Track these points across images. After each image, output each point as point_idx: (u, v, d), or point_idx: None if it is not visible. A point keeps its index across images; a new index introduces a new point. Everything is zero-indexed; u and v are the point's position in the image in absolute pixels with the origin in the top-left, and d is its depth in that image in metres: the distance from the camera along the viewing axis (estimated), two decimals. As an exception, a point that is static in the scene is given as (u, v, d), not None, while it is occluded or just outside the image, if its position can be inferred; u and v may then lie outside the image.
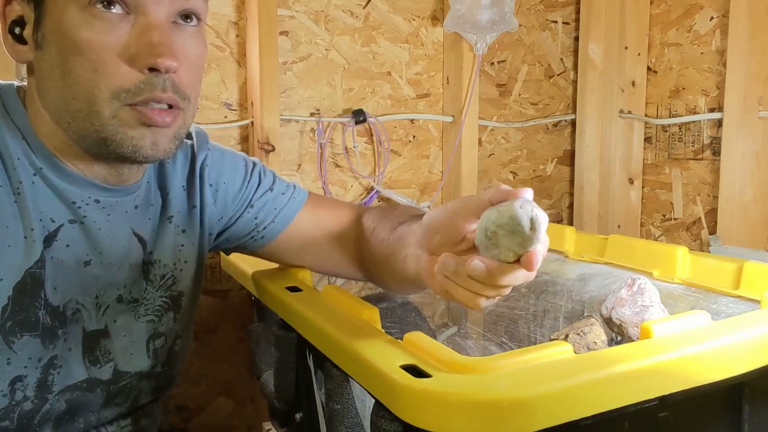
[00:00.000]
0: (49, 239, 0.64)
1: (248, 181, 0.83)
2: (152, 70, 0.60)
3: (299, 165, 1.42)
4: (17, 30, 0.63)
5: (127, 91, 0.60)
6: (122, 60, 0.59)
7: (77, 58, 0.59)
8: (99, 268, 0.69)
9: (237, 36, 1.33)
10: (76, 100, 0.60)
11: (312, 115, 1.41)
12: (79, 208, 0.66)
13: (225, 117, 1.34)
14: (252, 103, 1.32)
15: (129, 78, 0.60)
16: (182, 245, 0.77)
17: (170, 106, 0.62)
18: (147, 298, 0.74)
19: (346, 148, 1.45)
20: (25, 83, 0.67)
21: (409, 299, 0.98)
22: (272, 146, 1.31)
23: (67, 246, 0.66)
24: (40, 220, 0.64)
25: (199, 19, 0.65)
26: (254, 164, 0.85)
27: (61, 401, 0.68)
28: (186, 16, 0.64)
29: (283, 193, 0.85)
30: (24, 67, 0.67)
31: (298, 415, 0.86)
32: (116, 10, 0.59)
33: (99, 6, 0.59)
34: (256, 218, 0.83)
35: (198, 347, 1.33)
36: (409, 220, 0.73)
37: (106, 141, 0.62)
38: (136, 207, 0.72)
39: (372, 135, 1.49)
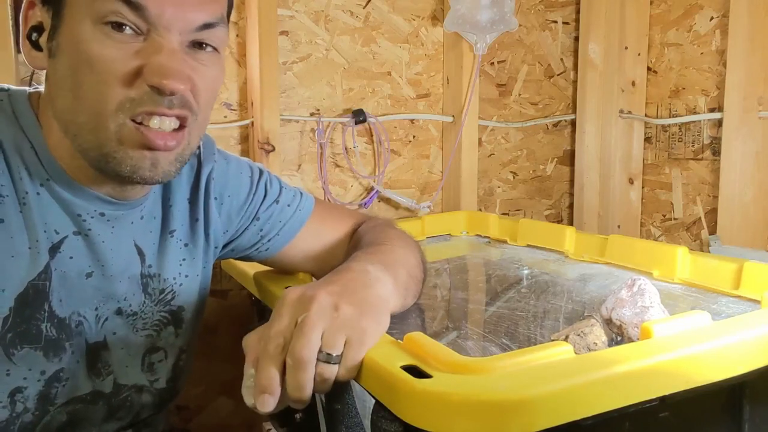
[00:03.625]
0: (53, 251, 0.64)
1: (254, 193, 0.82)
2: (157, 89, 0.59)
3: (299, 165, 1.42)
4: (34, 36, 0.63)
5: (132, 100, 0.59)
6: (130, 75, 0.59)
7: (87, 71, 0.59)
8: (100, 280, 0.68)
9: (237, 36, 1.33)
10: (83, 113, 0.60)
11: (312, 115, 1.41)
12: (84, 220, 0.66)
13: (225, 117, 1.34)
14: (252, 103, 1.32)
15: (132, 91, 0.59)
16: (183, 259, 0.77)
17: (180, 124, 0.61)
18: (145, 312, 0.73)
19: (346, 148, 1.45)
20: (39, 88, 0.66)
21: (410, 299, 0.98)
22: (272, 146, 1.31)
23: (71, 258, 0.66)
24: (45, 231, 0.63)
25: (215, 49, 0.64)
26: (260, 174, 0.84)
27: (62, 413, 0.67)
28: (200, 45, 0.63)
29: (288, 205, 0.84)
30: (25, 71, 0.67)
31: (298, 415, 0.86)
32: (128, 31, 0.59)
33: (110, 27, 0.58)
34: (261, 230, 0.83)
35: (198, 347, 1.33)
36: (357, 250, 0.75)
37: (106, 157, 0.60)
38: (141, 218, 0.72)
39: (372, 135, 1.49)
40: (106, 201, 0.67)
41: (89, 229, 0.67)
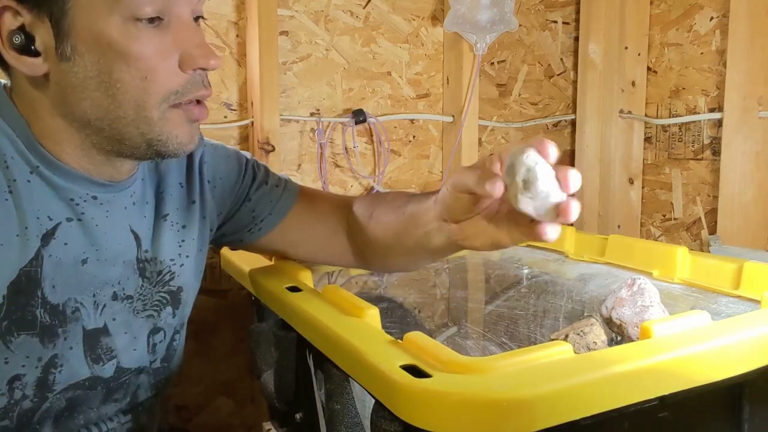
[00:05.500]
0: (46, 237, 0.64)
1: (243, 176, 0.84)
2: (203, 69, 0.64)
3: (299, 165, 1.42)
4: (17, 40, 0.61)
5: (176, 93, 0.63)
6: (169, 64, 0.62)
7: (125, 68, 0.60)
8: (95, 265, 0.69)
9: (237, 36, 1.33)
10: (122, 107, 0.62)
11: (312, 115, 1.41)
12: (77, 204, 0.67)
13: (225, 117, 1.34)
14: (252, 103, 1.32)
15: (177, 80, 0.63)
16: (183, 240, 0.78)
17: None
18: (144, 294, 0.74)
19: (346, 148, 1.45)
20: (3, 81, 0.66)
21: (409, 299, 0.98)
22: (272, 146, 1.31)
23: (65, 244, 0.66)
24: (37, 218, 0.63)
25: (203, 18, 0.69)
26: (247, 158, 0.87)
27: (61, 399, 0.68)
28: (196, 17, 0.67)
29: (276, 186, 0.86)
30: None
31: (298, 415, 0.86)
32: (157, 22, 0.61)
33: (144, 22, 0.60)
34: (253, 211, 0.84)
35: (198, 347, 1.33)
36: (415, 199, 0.76)
37: (150, 142, 0.64)
38: (134, 204, 0.73)
39: (372, 135, 1.49)
40: (96, 183, 0.68)
41: (83, 213, 0.67)
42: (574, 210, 0.53)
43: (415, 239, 0.73)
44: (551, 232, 0.54)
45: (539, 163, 0.53)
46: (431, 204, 0.69)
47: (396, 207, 0.78)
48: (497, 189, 0.54)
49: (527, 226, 0.56)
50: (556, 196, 0.53)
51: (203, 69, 0.64)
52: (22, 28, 0.61)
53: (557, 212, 0.53)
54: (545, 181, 0.53)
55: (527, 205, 0.53)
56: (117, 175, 0.70)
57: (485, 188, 0.54)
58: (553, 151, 0.54)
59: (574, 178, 0.53)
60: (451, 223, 0.65)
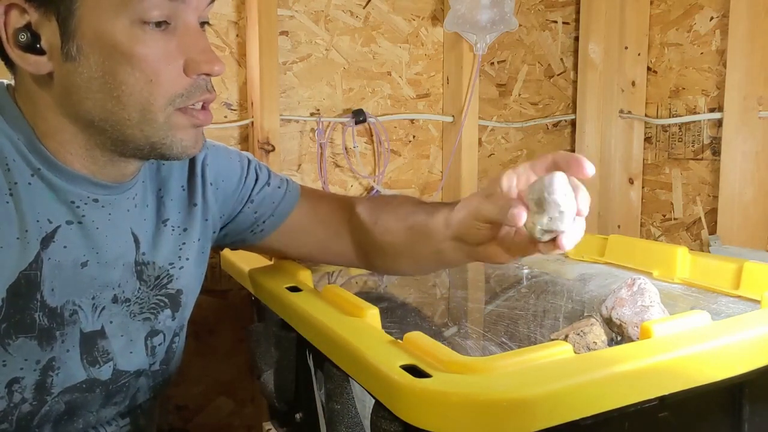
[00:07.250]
0: (46, 240, 0.64)
1: (246, 177, 0.84)
2: (207, 74, 0.64)
3: (299, 165, 1.42)
4: (22, 38, 0.60)
5: (180, 96, 0.63)
6: (174, 68, 0.63)
7: (129, 70, 0.60)
8: (95, 268, 0.68)
9: (237, 36, 1.33)
10: (126, 109, 0.62)
11: (312, 115, 1.41)
12: (78, 207, 0.66)
13: (225, 117, 1.34)
14: (252, 103, 1.32)
15: (181, 84, 0.63)
16: (183, 243, 0.78)
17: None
18: (141, 297, 0.74)
19: (346, 148, 1.45)
20: (6, 81, 0.66)
21: (409, 299, 0.98)
22: (272, 146, 1.31)
23: (65, 247, 0.66)
24: (37, 221, 0.63)
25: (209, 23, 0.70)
26: (249, 160, 0.87)
27: (60, 402, 0.68)
28: (202, 22, 0.68)
29: (279, 187, 0.86)
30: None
31: (298, 415, 0.86)
32: (164, 26, 0.62)
33: (151, 26, 0.60)
34: (255, 212, 0.85)
35: (198, 347, 1.33)
36: (422, 210, 0.78)
37: (153, 145, 0.64)
38: (135, 206, 0.73)
39: (372, 135, 1.49)
40: (98, 185, 0.67)
41: (83, 216, 0.67)
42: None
43: (428, 252, 0.76)
44: (569, 242, 0.57)
45: (567, 194, 0.57)
46: (442, 224, 0.72)
47: (402, 216, 0.80)
48: (521, 219, 0.57)
49: (544, 243, 0.59)
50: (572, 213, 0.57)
51: (207, 74, 0.65)
52: (28, 27, 0.61)
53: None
54: (568, 206, 0.57)
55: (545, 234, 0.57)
56: (120, 176, 0.70)
57: (511, 220, 0.57)
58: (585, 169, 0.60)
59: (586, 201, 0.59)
60: (468, 245, 0.69)
